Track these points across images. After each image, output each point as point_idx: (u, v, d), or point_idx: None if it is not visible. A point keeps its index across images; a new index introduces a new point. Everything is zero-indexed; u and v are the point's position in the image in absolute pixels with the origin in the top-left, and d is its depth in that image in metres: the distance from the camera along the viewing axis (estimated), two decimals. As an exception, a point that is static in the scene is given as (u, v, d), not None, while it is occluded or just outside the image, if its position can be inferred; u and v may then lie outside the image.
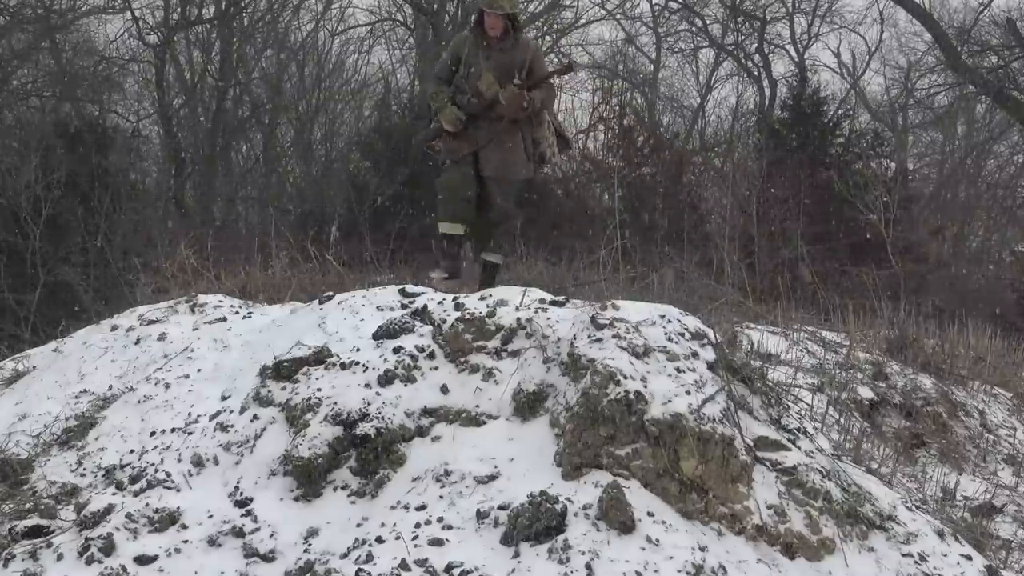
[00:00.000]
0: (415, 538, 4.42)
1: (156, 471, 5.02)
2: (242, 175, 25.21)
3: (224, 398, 5.56)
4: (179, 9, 24.17)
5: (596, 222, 14.58)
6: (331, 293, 6.28)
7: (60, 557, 4.57)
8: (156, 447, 5.28)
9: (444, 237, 6.63)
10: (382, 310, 5.83)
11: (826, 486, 4.79)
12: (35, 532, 4.74)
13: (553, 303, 5.66)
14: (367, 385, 5.14)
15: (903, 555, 4.66)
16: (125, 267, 11.59)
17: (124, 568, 4.44)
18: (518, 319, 5.42)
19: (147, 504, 4.78)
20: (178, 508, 4.77)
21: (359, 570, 4.30)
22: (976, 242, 25.08)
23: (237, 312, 6.67)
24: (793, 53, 28.87)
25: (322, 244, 9.61)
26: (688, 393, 4.76)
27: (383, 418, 4.97)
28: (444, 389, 5.17)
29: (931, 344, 8.40)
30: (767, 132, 19.76)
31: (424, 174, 14.24)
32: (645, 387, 4.72)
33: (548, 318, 5.42)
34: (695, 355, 5.02)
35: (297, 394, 5.20)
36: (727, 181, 18.24)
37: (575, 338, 5.09)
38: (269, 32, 25.80)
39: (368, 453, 4.88)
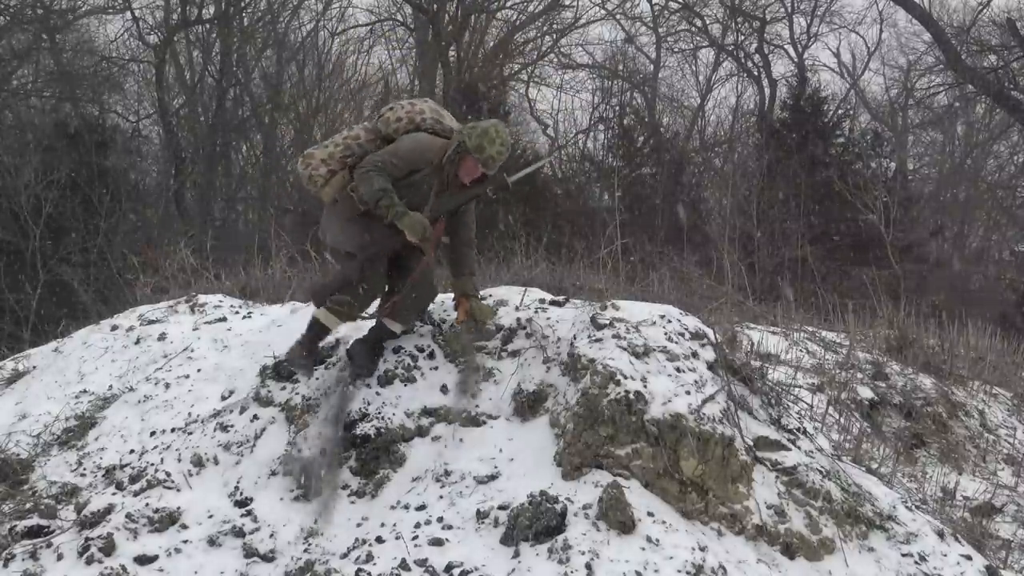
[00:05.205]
0: (415, 538, 4.42)
1: (156, 471, 5.02)
2: (242, 175, 25.22)
3: (224, 398, 5.57)
4: (179, 9, 24.20)
5: (596, 222, 14.59)
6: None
7: (60, 557, 4.57)
8: (156, 447, 5.28)
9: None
10: (382, 310, 5.83)
11: (826, 486, 4.79)
12: (35, 532, 4.75)
13: (553, 303, 5.66)
14: (367, 385, 5.14)
15: (903, 555, 4.66)
16: (125, 267, 11.58)
17: (124, 568, 4.44)
18: (518, 319, 5.42)
19: (147, 504, 4.78)
20: (178, 508, 4.77)
21: (359, 570, 4.30)
22: (976, 242, 25.11)
23: (237, 312, 6.68)
24: (793, 53, 28.95)
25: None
26: (688, 393, 4.76)
27: (383, 418, 4.97)
28: (444, 389, 5.17)
29: (931, 344, 8.40)
30: (767, 132, 19.77)
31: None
32: (645, 387, 4.72)
33: (548, 318, 5.42)
34: (695, 355, 5.01)
35: (297, 394, 5.20)
36: (727, 181, 18.28)
37: (575, 338, 5.08)
38: (269, 32, 25.82)
39: (368, 453, 4.88)
